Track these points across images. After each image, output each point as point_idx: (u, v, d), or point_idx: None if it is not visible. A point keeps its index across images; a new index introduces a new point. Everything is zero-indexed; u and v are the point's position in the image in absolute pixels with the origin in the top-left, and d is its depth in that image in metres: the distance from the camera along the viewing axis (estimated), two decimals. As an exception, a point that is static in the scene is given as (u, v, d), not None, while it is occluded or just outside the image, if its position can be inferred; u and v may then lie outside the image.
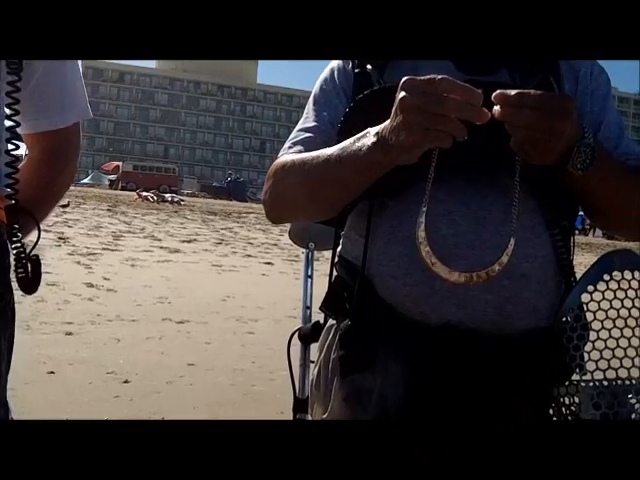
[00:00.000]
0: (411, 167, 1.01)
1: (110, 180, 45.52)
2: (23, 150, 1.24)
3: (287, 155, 1.18)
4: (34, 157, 1.25)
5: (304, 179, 1.12)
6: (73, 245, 10.30)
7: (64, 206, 17.53)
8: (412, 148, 0.95)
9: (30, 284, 1.11)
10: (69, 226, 13.06)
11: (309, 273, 1.80)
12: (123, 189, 39.63)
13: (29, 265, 1.10)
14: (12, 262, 1.10)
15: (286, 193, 1.17)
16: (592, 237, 26.24)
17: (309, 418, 1.26)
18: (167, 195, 29.17)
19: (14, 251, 1.09)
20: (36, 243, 1.14)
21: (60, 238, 10.89)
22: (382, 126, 0.98)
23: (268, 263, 10.55)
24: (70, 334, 4.97)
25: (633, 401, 1.05)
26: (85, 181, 46.00)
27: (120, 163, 47.76)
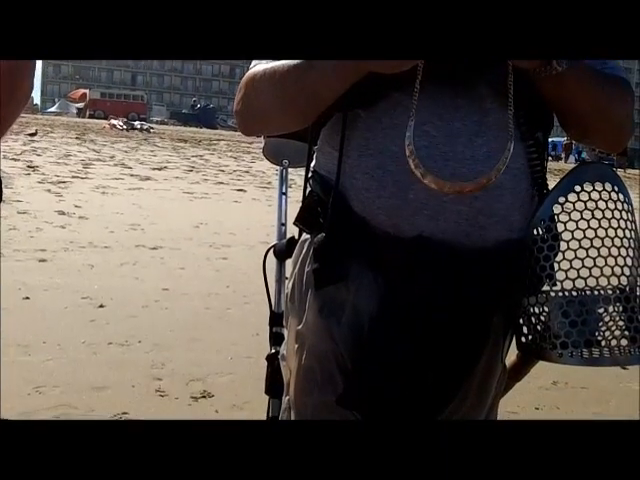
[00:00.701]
0: (384, 78, 1.01)
1: (78, 108, 44.53)
2: None
3: (259, 65, 1.16)
4: None
5: (275, 88, 1.11)
6: (43, 174, 10.14)
7: (32, 134, 17.17)
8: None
9: None
10: (38, 155, 12.82)
11: (283, 190, 1.80)
12: (91, 117, 38.82)
13: None
14: None
15: (257, 103, 1.16)
16: (565, 163, 26.41)
17: (285, 332, 1.28)
18: (136, 123, 28.61)
19: None
20: None
21: (29, 167, 10.71)
22: None
23: (240, 190, 10.51)
24: (44, 261, 4.96)
25: (601, 310, 1.08)
26: (52, 109, 45.03)
27: (87, 91, 46.56)
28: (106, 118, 31.88)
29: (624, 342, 1.06)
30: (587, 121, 1.13)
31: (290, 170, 1.80)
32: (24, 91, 1.27)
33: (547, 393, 3.26)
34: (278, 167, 1.82)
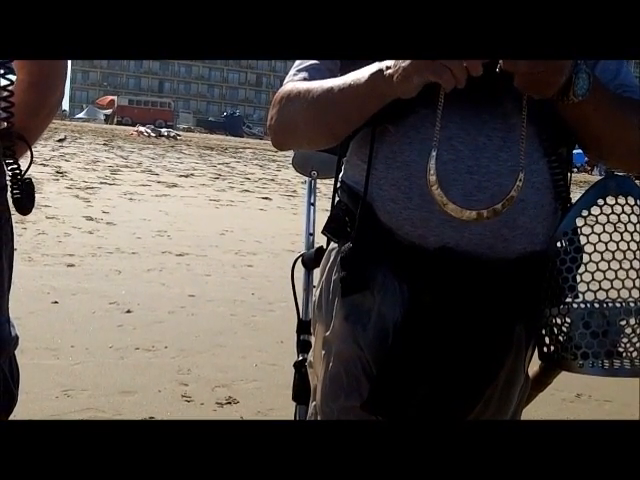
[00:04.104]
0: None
1: (105, 115, 45.04)
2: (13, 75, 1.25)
3: (292, 83, 1.20)
4: (22, 81, 1.26)
5: (308, 106, 1.15)
6: (71, 179, 10.30)
7: (61, 140, 17.43)
8: (416, 80, 1.01)
9: (25, 204, 1.14)
10: (66, 160, 13.02)
11: (312, 201, 1.83)
12: (119, 124, 39.26)
13: (23, 187, 1.13)
14: (8, 183, 1.13)
15: (290, 120, 1.20)
16: (589, 175, 26.16)
17: (312, 339, 1.31)
18: (163, 130, 28.90)
19: (9, 172, 1.11)
20: (29, 166, 1.16)
21: (58, 172, 10.88)
22: (390, 62, 1.03)
23: (266, 198, 10.57)
24: (72, 266, 5.03)
25: (622, 322, 1.10)
26: (80, 116, 45.55)
27: (115, 97, 47.15)
28: (133, 125, 32.20)
29: (645, 354, 1.08)
30: (604, 144, 1.15)
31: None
32: (56, 100, 1.31)
33: (571, 405, 3.25)
34: (305, 177, 1.86)
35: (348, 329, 1.17)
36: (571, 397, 3.32)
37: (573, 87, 1.03)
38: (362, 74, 1.08)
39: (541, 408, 2.85)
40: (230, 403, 2.94)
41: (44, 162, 11.66)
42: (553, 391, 3.10)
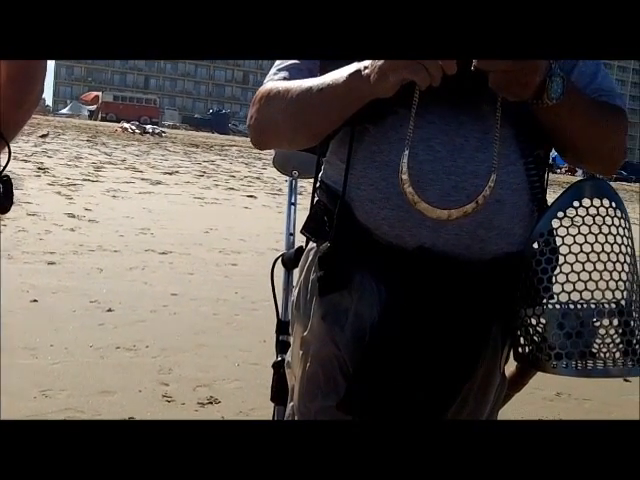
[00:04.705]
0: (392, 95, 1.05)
1: (90, 111, 44.82)
2: None
3: (272, 82, 1.20)
4: (1, 75, 1.25)
5: (288, 106, 1.15)
6: (53, 176, 10.22)
7: (43, 136, 17.30)
8: (392, 79, 1.01)
9: (2, 202, 1.13)
10: (49, 156, 12.93)
11: (292, 200, 1.84)
12: (103, 120, 39.07)
13: (0, 185, 1.12)
14: None
15: (270, 119, 1.20)
16: (573, 176, 26.32)
17: (290, 340, 1.31)
18: (148, 126, 28.77)
19: None
20: (7, 163, 1.15)
21: (40, 168, 10.79)
22: (368, 62, 1.04)
23: (251, 196, 10.56)
24: (52, 264, 5.00)
25: (596, 323, 1.11)
26: (64, 111, 45.31)
27: (100, 93, 46.89)
28: (118, 121, 32.04)
29: (617, 354, 1.09)
30: (580, 148, 1.16)
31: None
32: (35, 95, 1.30)
33: (551, 404, 3.28)
34: (287, 176, 1.85)
35: (326, 329, 1.17)
36: (551, 396, 3.35)
37: (547, 90, 1.03)
38: (341, 74, 1.08)
39: (521, 407, 2.87)
40: (211, 403, 2.94)
41: (26, 158, 11.57)
42: (533, 390, 3.13)
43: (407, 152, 1.04)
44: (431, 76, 0.99)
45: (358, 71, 1.05)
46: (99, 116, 41.26)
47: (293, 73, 1.20)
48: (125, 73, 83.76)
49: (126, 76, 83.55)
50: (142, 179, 11.20)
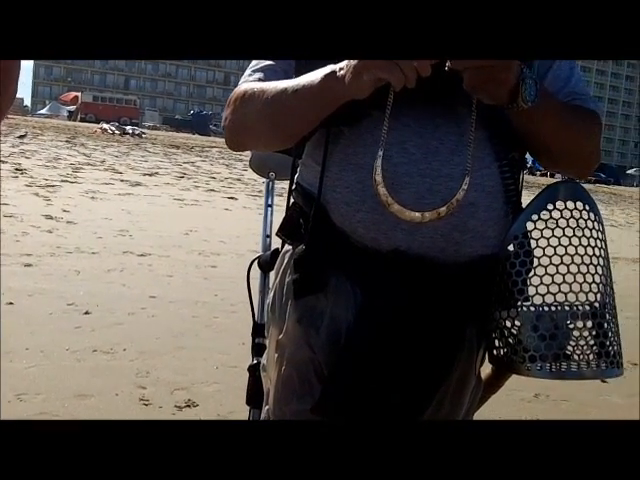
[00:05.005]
0: (368, 97, 1.04)
1: (69, 111, 44.50)
2: None
3: (247, 83, 1.20)
4: None
5: (263, 107, 1.14)
6: (31, 177, 10.13)
7: (21, 137, 17.14)
8: (367, 78, 1.01)
9: None
10: (26, 157, 12.81)
11: (269, 202, 1.83)
12: (82, 120, 38.77)
13: None
14: None
15: (245, 121, 1.19)
16: (552, 179, 26.56)
17: (267, 342, 1.30)
18: (128, 127, 28.60)
19: None
20: None
21: (17, 169, 10.69)
22: (343, 63, 1.04)
23: (231, 198, 10.53)
24: (29, 265, 4.95)
25: (570, 325, 1.11)
26: (43, 112, 44.95)
27: (79, 94, 46.55)
28: (97, 122, 31.86)
29: (591, 356, 1.09)
30: (555, 152, 1.17)
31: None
32: (9, 95, 1.28)
33: (529, 405, 3.30)
34: (263, 178, 1.85)
35: (301, 332, 1.16)
36: (529, 397, 3.37)
37: (522, 93, 1.03)
38: (316, 75, 1.08)
39: (499, 408, 2.88)
40: (189, 406, 2.91)
41: (3, 159, 11.45)
42: (511, 391, 3.14)
43: (381, 153, 1.04)
44: (405, 77, 0.99)
45: (333, 72, 1.05)
46: (78, 117, 40.93)
47: (268, 74, 1.19)
48: (105, 73, 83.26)
49: (106, 76, 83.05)
50: (121, 180, 11.13)
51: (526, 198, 1.18)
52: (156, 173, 12.98)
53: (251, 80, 1.21)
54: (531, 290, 1.11)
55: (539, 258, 1.12)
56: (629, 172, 62.08)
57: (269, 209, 1.84)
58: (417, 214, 1.04)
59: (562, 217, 1.11)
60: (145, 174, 12.56)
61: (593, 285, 1.09)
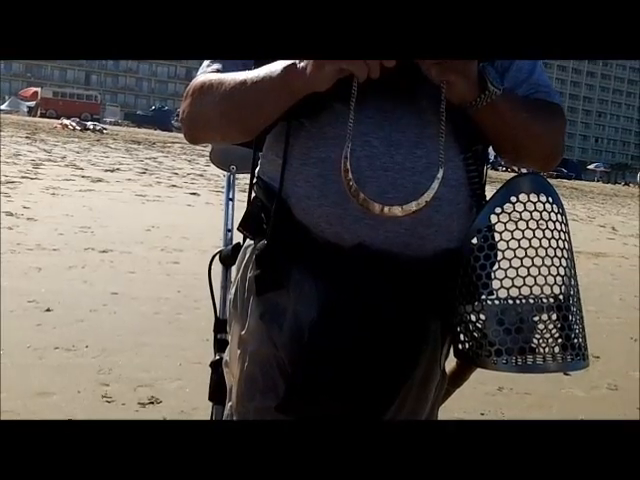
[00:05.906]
0: (329, 89, 1.03)
1: (29, 107, 43.73)
2: None
3: (205, 75, 1.17)
4: None
5: (221, 100, 1.12)
6: (-10, 173, 9.92)
7: (-21, 133, 16.77)
8: (329, 69, 1.00)
9: None
10: (-15, 153, 12.54)
11: (230, 196, 1.80)
12: (43, 116, 38.16)
13: None
14: None
15: (202, 113, 1.17)
16: (514, 173, 26.92)
17: (229, 338, 1.28)
18: (89, 123, 28.22)
19: None
20: None
21: (-25, 166, 10.46)
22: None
23: (194, 194, 10.43)
24: (-12, 263, 4.84)
25: (535, 318, 1.11)
26: (2, 107, 44.06)
27: (39, 89, 45.75)
28: (58, 118, 31.37)
29: (557, 350, 1.09)
30: (519, 147, 1.16)
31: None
32: None
33: (493, 399, 3.32)
34: (224, 171, 1.82)
35: (263, 328, 1.14)
36: (493, 390, 3.39)
37: (488, 79, 1.03)
38: (276, 67, 1.05)
39: (464, 402, 2.90)
40: (153, 403, 2.88)
41: (-39, 155, 11.21)
42: (476, 385, 3.16)
43: (350, 144, 1.01)
44: (369, 67, 0.97)
45: (294, 64, 1.03)
46: (38, 112, 40.26)
47: (227, 65, 1.17)
48: (65, 69, 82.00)
49: (66, 72, 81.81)
50: (82, 177, 10.96)
51: (490, 193, 1.18)
52: (118, 169, 12.81)
53: (209, 71, 1.18)
54: (496, 284, 1.11)
55: (503, 251, 1.11)
56: (590, 167, 63.13)
57: (230, 203, 1.81)
58: (387, 208, 1.02)
59: (525, 210, 1.11)
60: (107, 170, 12.38)
61: (558, 277, 1.09)
